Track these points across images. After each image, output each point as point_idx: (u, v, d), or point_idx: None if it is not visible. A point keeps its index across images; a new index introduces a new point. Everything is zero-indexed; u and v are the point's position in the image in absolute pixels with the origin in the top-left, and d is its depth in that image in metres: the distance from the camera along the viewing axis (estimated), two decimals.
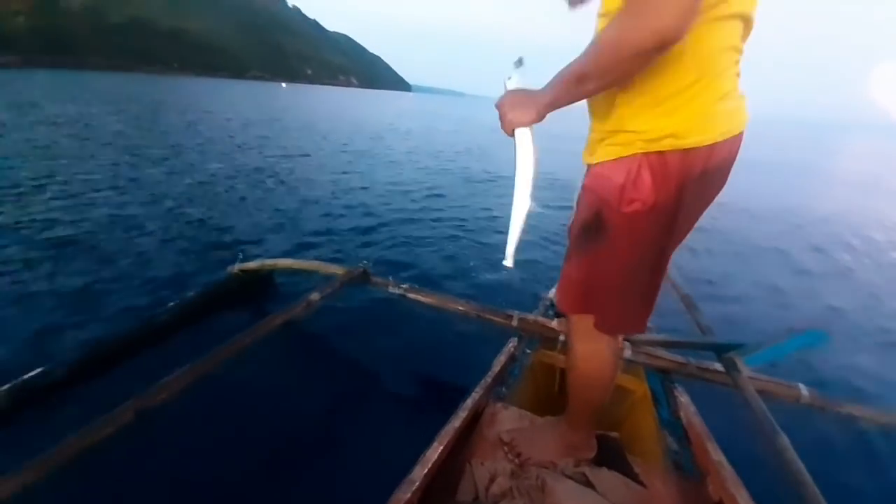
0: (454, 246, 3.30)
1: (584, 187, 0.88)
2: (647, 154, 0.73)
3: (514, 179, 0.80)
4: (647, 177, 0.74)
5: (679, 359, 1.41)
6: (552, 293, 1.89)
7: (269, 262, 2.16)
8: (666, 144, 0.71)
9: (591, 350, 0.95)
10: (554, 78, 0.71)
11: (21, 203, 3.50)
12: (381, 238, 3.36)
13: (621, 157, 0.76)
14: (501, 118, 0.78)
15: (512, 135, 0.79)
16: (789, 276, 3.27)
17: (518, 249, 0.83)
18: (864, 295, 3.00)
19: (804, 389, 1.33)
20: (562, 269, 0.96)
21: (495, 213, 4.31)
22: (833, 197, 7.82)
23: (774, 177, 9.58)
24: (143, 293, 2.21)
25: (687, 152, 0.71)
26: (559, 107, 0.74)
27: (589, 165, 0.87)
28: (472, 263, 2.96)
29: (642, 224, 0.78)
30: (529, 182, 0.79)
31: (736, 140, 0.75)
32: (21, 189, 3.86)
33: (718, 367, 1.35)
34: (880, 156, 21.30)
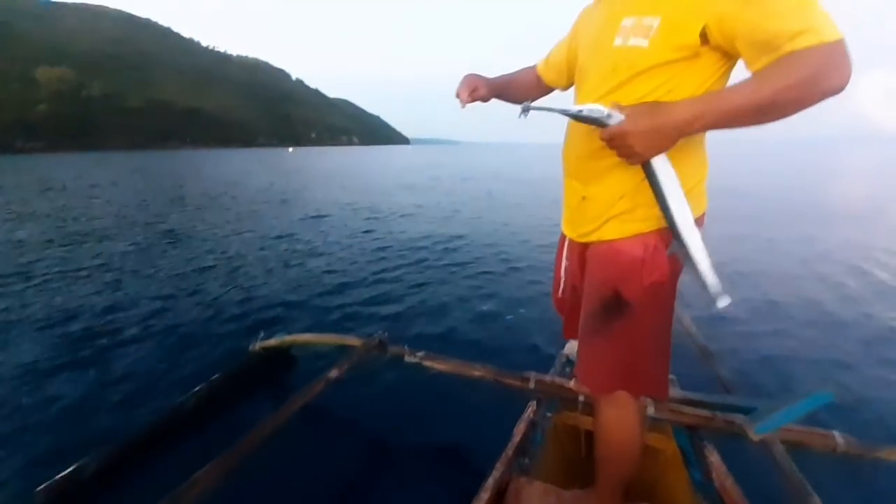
0: (474, 301, 3.33)
1: (594, 264, 0.89)
2: (660, 228, 0.80)
3: (663, 211, 0.72)
4: (662, 248, 0.80)
5: (705, 413, 1.38)
6: (567, 349, 1.89)
7: (288, 337, 2.21)
8: None
9: (620, 417, 0.94)
10: (704, 102, 0.65)
11: (41, 289, 3.66)
12: (395, 298, 3.40)
13: (640, 234, 0.81)
14: (630, 148, 0.68)
15: (641, 163, 0.72)
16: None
17: (718, 281, 0.72)
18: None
19: (839, 437, 1.27)
20: (581, 350, 0.95)
21: (514, 264, 4.36)
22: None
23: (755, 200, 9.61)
24: (168, 377, 2.25)
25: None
26: (695, 132, 0.69)
27: (594, 242, 0.88)
28: (495, 321, 2.97)
29: (664, 292, 0.83)
30: (687, 208, 0.71)
31: None
32: (40, 277, 4.04)
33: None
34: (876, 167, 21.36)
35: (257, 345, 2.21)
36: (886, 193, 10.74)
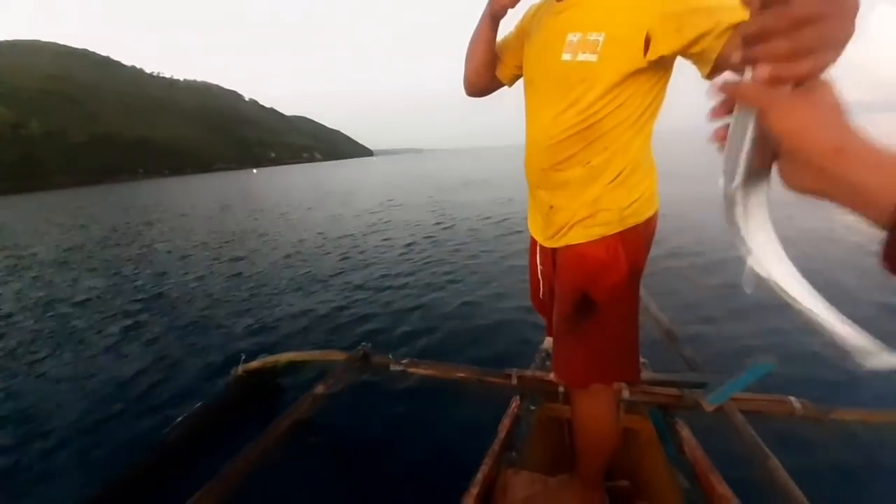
0: (449, 306, 3.38)
1: (563, 267, 0.94)
2: (621, 231, 0.86)
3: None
4: (622, 249, 0.87)
5: (675, 392, 1.48)
6: (546, 343, 1.96)
7: (270, 358, 2.18)
8: (632, 221, 0.86)
9: (596, 408, 1.01)
10: None
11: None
12: (372, 311, 3.40)
13: (603, 237, 0.87)
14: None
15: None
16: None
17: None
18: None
19: (796, 402, 1.39)
20: (556, 348, 1.00)
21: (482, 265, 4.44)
22: None
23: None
24: (148, 413, 2.19)
25: (647, 222, 0.88)
26: None
27: (562, 247, 0.93)
28: (470, 321, 3.04)
29: (628, 288, 0.90)
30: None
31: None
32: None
33: None
34: None
35: (240, 368, 2.17)
36: None
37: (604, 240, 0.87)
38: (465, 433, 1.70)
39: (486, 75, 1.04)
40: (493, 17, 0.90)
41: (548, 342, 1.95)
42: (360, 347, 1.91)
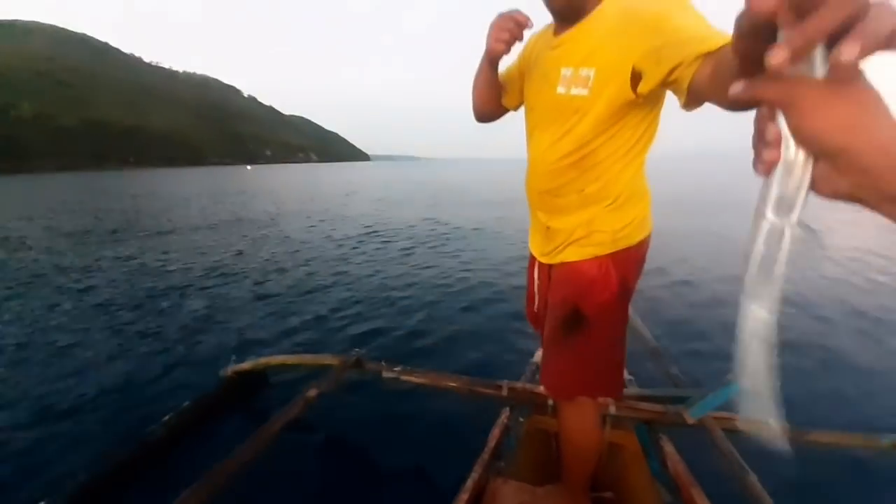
0: (439, 313, 3.41)
1: (557, 282, 1.00)
2: (614, 252, 0.92)
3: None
4: (613, 270, 0.92)
5: (659, 408, 1.52)
6: (537, 356, 2.00)
7: (262, 360, 2.17)
8: (624, 243, 0.91)
9: (581, 419, 1.06)
10: None
11: None
12: (365, 317, 3.41)
13: (596, 256, 0.92)
14: None
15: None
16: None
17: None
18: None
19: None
20: (545, 360, 1.05)
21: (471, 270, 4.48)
22: None
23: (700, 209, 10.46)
24: (132, 409, 2.16)
25: (638, 244, 0.93)
26: None
27: (557, 263, 0.99)
28: (459, 327, 3.08)
29: (616, 307, 0.95)
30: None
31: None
32: None
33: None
34: None
35: (229, 369, 2.16)
36: None
37: (596, 259, 0.92)
38: (455, 442, 1.72)
39: (491, 105, 1.10)
40: (490, 61, 0.95)
41: (538, 355, 2.00)
42: (353, 353, 1.93)
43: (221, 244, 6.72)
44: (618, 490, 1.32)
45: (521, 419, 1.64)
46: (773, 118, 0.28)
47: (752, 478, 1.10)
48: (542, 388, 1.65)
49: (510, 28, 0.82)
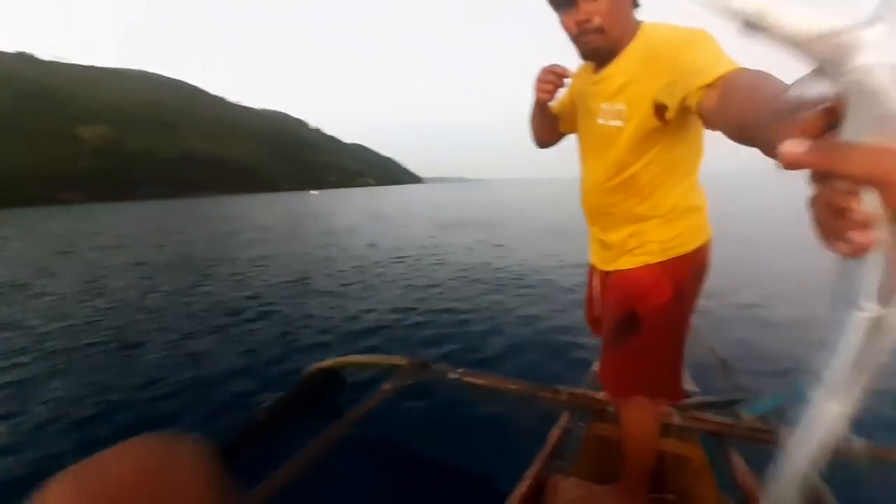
0: (502, 326, 3.51)
1: (612, 289, 1.08)
2: (664, 261, 0.99)
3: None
4: (664, 277, 0.99)
5: (728, 420, 1.48)
6: (596, 366, 2.01)
7: (340, 359, 2.42)
8: (676, 252, 0.98)
9: (638, 417, 1.10)
10: None
11: (114, 325, 3.99)
12: (433, 327, 3.60)
13: (647, 265, 1.00)
14: None
15: None
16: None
17: None
18: None
19: (856, 441, 1.35)
20: (603, 360, 1.12)
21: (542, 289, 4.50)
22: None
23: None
24: (245, 393, 2.56)
25: (693, 252, 0.98)
26: None
27: (612, 271, 1.08)
28: (520, 340, 3.16)
29: (669, 311, 1.00)
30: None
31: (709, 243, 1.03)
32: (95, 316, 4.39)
33: (766, 426, 1.42)
34: None
35: (314, 366, 2.42)
36: None
37: (647, 266, 0.99)
38: (515, 442, 1.78)
39: (549, 135, 1.25)
40: (539, 106, 1.10)
41: (597, 364, 2.01)
42: (420, 356, 2.09)
43: (315, 260, 7.31)
44: (683, 499, 1.31)
45: (582, 424, 1.66)
46: (855, 193, 0.23)
47: (826, 495, 1.06)
48: (601, 395, 1.67)
49: (552, 80, 0.96)
